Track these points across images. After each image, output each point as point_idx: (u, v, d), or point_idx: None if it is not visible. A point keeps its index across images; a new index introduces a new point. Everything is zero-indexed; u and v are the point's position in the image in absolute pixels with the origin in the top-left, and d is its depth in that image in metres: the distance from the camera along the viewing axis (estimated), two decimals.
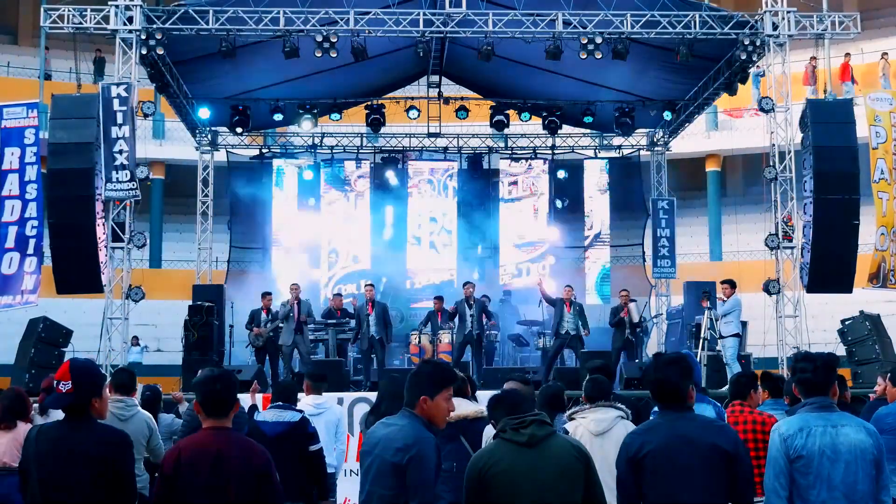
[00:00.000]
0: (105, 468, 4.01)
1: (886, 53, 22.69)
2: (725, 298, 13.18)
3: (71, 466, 4.00)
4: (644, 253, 19.91)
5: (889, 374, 5.81)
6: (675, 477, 3.83)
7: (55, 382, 4.16)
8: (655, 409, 6.04)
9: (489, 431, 5.68)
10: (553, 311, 14.88)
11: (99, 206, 13.19)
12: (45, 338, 12.98)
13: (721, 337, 12.98)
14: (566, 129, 19.11)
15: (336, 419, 7.51)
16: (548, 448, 3.87)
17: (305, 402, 7.40)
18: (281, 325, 14.47)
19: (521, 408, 4.08)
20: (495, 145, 20.44)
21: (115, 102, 13.17)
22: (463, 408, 6.15)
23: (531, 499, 3.79)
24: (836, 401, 4.31)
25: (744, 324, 14.07)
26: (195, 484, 3.82)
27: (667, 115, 17.48)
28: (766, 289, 14.22)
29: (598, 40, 13.77)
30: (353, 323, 14.95)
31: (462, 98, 18.49)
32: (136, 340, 13.35)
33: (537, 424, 3.92)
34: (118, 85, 13.31)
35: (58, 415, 4.45)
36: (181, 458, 3.88)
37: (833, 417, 4.12)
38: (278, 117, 17.41)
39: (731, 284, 13.14)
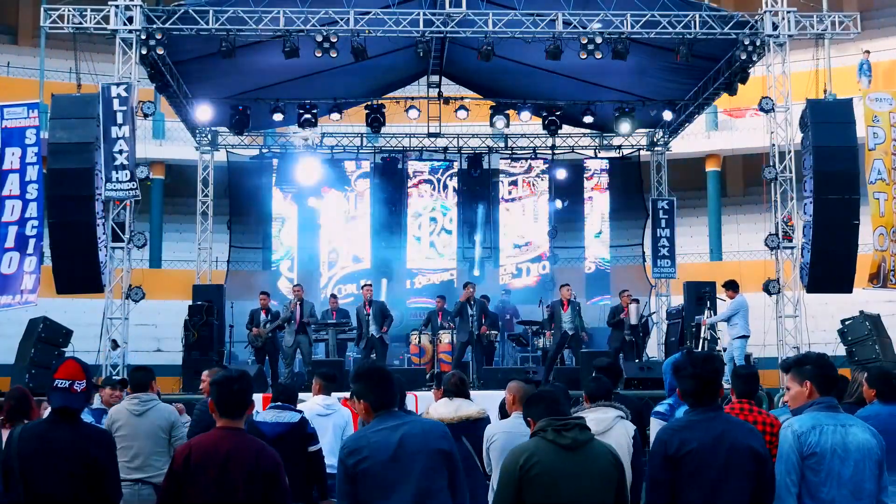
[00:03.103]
0: (88, 465, 4.07)
1: (868, 51, 22.56)
2: (728, 300, 13.19)
3: (55, 464, 4.06)
4: (644, 253, 19.90)
5: (866, 374, 5.77)
6: (713, 477, 3.90)
7: (65, 382, 4.17)
8: (658, 408, 6.06)
9: (490, 432, 5.68)
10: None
11: (99, 206, 13.21)
12: (45, 338, 12.99)
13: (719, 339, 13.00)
14: (566, 129, 19.09)
15: (345, 421, 7.50)
16: (588, 453, 3.90)
17: (314, 401, 7.40)
18: (284, 325, 14.50)
19: (560, 408, 4.08)
20: (495, 145, 20.43)
21: (115, 102, 13.17)
22: (465, 408, 6.16)
23: (571, 502, 3.80)
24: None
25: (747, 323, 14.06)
26: (204, 483, 3.84)
27: (667, 115, 17.49)
28: (766, 289, 14.22)
29: (598, 40, 13.77)
30: (354, 324, 14.99)
31: (462, 98, 18.48)
32: (115, 344, 13.41)
33: (580, 429, 3.94)
34: (118, 85, 13.31)
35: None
36: (191, 456, 3.90)
37: (841, 417, 4.21)
38: (278, 117, 17.41)
39: (733, 287, 13.13)
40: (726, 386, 6.16)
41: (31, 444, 4.11)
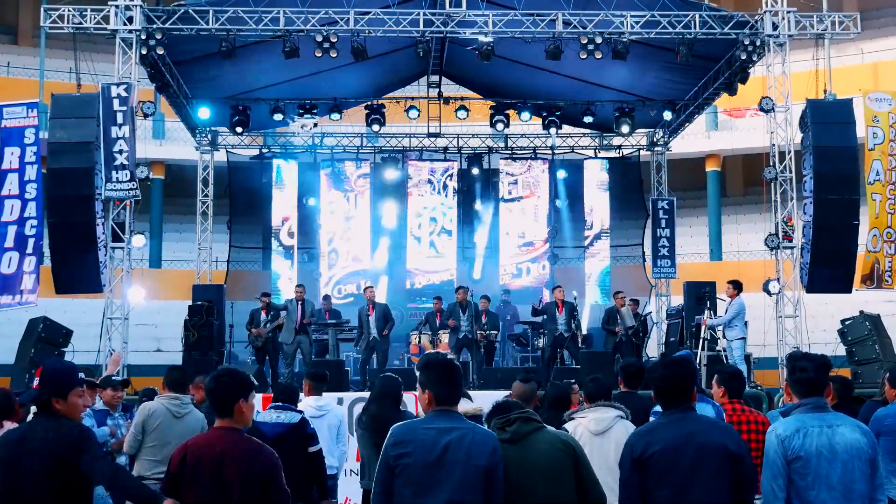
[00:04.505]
0: (58, 463, 4.05)
1: None
2: (729, 299, 13.19)
3: (25, 462, 4.06)
4: (644, 253, 19.90)
5: (888, 374, 5.76)
6: (681, 477, 3.87)
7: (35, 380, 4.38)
8: (657, 407, 6.06)
9: None
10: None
11: (99, 206, 13.20)
12: (45, 338, 12.97)
13: (723, 338, 13.01)
14: (566, 129, 19.11)
15: (338, 421, 7.49)
16: (532, 443, 4.03)
17: (307, 403, 7.37)
18: (282, 322, 14.49)
19: (513, 408, 4.19)
20: (495, 145, 20.43)
21: (115, 102, 13.17)
22: (462, 406, 6.15)
23: (521, 492, 3.90)
24: (831, 403, 4.32)
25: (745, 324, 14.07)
26: (199, 484, 3.83)
27: (667, 115, 17.50)
28: (766, 289, 14.22)
29: (598, 40, 13.77)
30: (354, 323, 14.97)
31: (462, 98, 18.47)
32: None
33: (522, 421, 4.07)
34: (118, 85, 13.31)
35: None
36: (187, 457, 3.89)
37: (828, 417, 4.12)
38: (278, 117, 17.40)
39: (737, 287, 13.13)
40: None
41: (7, 448, 4.14)
